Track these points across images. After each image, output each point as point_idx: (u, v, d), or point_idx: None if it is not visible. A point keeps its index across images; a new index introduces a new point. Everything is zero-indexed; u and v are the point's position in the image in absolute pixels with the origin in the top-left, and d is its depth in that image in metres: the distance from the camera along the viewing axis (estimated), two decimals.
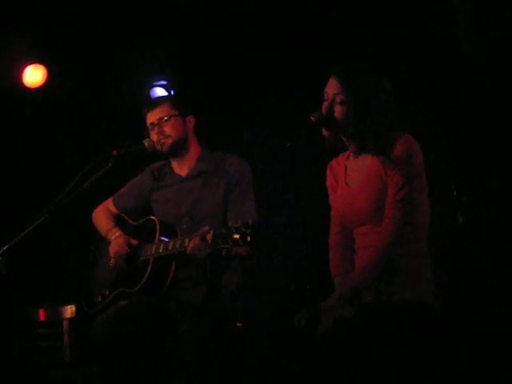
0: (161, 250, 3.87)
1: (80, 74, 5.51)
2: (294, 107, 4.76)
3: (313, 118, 3.32)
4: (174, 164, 4.20)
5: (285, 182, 4.75)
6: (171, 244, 3.83)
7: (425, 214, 3.31)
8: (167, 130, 4.07)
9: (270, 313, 4.75)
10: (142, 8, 5.26)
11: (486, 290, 4.24)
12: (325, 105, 3.34)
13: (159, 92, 5.63)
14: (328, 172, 3.56)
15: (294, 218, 4.63)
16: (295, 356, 3.32)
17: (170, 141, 4.07)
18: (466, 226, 4.33)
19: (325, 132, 3.36)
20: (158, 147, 4.10)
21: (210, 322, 3.80)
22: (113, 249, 4.08)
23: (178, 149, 4.12)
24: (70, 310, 4.77)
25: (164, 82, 5.65)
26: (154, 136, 4.09)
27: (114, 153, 3.97)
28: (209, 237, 3.56)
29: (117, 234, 4.13)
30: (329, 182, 3.56)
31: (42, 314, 4.80)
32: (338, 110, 3.31)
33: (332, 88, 3.33)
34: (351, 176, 3.43)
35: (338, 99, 3.31)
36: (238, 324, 3.93)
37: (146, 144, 4.10)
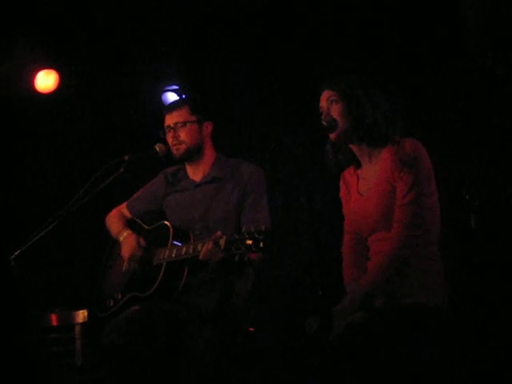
0: (174, 255, 3.86)
1: (92, 79, 5.52)
2: (307, 112, 4.75)
3: (325, 123, 3.40)
4: (189, 169, 4.19)
5: (296, 187, 4.76)
6: (184, 249, 3.83)
7: (435, 218, 3.31)
8: (182, 135, 4.05)
9: (282, 318, 4.75)
10: (154, 13, 5.27)
11: (499, 294, 4.22)
12: (323, 115, 3.43)
13: (171, 96, 5.64)
14: (341, 183, 3.60)
15: (306, 223, 4.64)
16: (307, 361, 3.31)
17: (183, 147, 4.06)
18: (479, 229, 4.32)
19: (332, 136, 3.41)
20: (173, 151, 4.10)
21: (222, 327, 3.80)
22: (125, 252, 4.09)
23: (192, 155, 4.11)
24: (81, 315, 4.77)
25: (176, 87, 5.66)
26: (169, 139, 4.09)
27: (126, 158, 3.97)
28: (222, 242, 3.55)
29: (125, 235, 4.14)
30: (342, 192, 3.59)
31: (54, 319, 4.81)
32: (334, 109, 3.40)
33: (324, 96, 3.45)
34: (362, 184, 3.46)
35: (332, 99, 3.41)
36: (250, 329, 3.93)
37: (158, 149, 4.10)
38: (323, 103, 3.44)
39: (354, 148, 3.46)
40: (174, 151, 4.08)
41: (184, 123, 4.06)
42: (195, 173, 4.17)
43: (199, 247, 3.70)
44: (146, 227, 4.22)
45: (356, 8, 4.88)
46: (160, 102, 5.63)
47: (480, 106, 4.52)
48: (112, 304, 4.07)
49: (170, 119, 4.10)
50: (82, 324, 4.78)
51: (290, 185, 4.83)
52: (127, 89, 5.53)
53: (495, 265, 4.30)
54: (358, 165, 3.50)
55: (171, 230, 3.99)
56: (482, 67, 4.38)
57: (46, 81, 5.49)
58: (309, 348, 3.27)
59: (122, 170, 3.95)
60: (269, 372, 3.95)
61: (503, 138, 4.44)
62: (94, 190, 3.87)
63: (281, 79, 5.22)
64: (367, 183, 3.43)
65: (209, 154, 4.15)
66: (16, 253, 3.75)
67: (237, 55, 5.35)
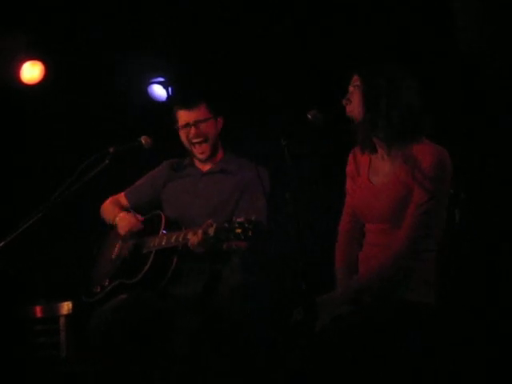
0: (163, 243, 3.89)
1: (78, 71, 5.50)
2: (293, 105, 4.76)
3: (310, 116, 3.36)
4: (197, 160, 4.25)
5: (282, 180, 4.74)
6: (174, 237, 3.85)
7: (441, 226, 3.33)
8: (204, 130, 4.14)
9: (269, 310, 4.75)
10: (141, 3, 5.26)
11: (484, 289, 4.24)
12: (345, 99, 3.41)
13: (157, 89, 5.64)
14: (350, 158, 3.57)
15: (291, 216, 4.62)
16: (292, 352, 3.32)
17: (208, 147, 4.15)
18: (463, 223, 4.33)
19: (347, 112, 3.39)
20: (190, 148, 4.17)
21: (207, 317, 3.81)
22: (122, 229, 4.11)
23: (213, 152, 4.19)
24: (66, 307, 4.78)
25: (162, 79, 5.65)
26: (186, 135, 4.15)
27: (111, 150, 3.98)
28: (211, 230, 3.58)
29: (121, 215, 4.18)
30: (349, 168, 3.56)
31: (38, 311, 4.81)
32: (355, 94, 3.37)
33: (353, 80, 3.41)
34: (375, 173, 3.43)
35: (355, 84, 3.38)
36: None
37: (143, 141, 4.11)
38: (350, 87, 3.41)
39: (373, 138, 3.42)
40: (199, 153, 4.17)
41: (205, 120, 4.14)
42: (203, 164, 4.25)
43: (189, 235, 3.72)
44: (140, 217, 4.23)
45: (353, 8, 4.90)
46: (146, 94, 5.63)
47: (467, 102, 4.53)
48: (99, 290, 4.09)
49: (188, 116, 4.16)
50: (67, 316, 4.78)
51: (277, 178, 4.83)
52: (113, 80, 5.51)
53: (480, 259, 4.32)
54: (375, 150, 3.45)
55: (163, 219, 4.03)
56: (472, 64, 4.40)
57: (31, 72, 5.47)
58: (294, 338, 3.28)
59: (107, 161, 3.95)
60: (253, 362, 3.96)
61: (489, 132, 4.46)
62: (80, 182, 3.87)
63: (267, 72, 5.21)
64: (380, 174, 3.40)
65: (219, 149, 4.24)
66: (0, 244, 3.74)
67: (225, 47, 5.35)
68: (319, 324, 3.20)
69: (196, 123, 4.13)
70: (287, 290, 4.75)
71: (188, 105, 4.18)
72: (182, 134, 4.19)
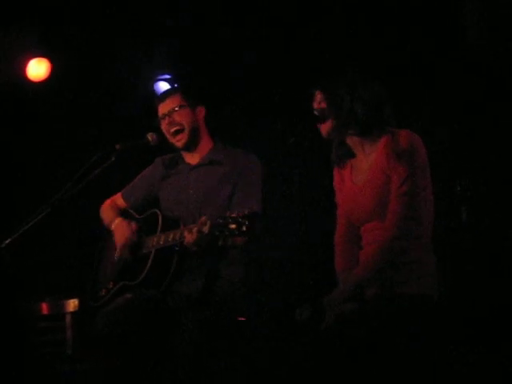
0: (161, 242, 3.88)
1: (83, 68, 5.51)
2: (298, 101, 4.76)
3: (316, 113, 3.44)
4: (186, 155, 4.22)
5: (288, 176, 4.75)
6: (171, 235, 3.84)
7: (429, 211, 3.34)
8: (177, 118, 4.09)
9: (272, 306, 4.76)
10: (146, 1, 5.27)
11: (489, 284, 4.25)
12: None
13: (163, 86, 5.64)
14: (335, 172, 3.62)
15: (297, 212, 4.64)
16: (296, 350, 3.33)
17: (184, 136, 4.10)
18: (470, 221, 4.34)
19: (322, 132, 3.49)
20: (171, 140, 4.13)
21: (210, 314, 3.81)
22: (118, 240, 4.10)
23: (193, 141, 4.14)
24: (72, 304, 4.78)
25: (168, 76, 5.66)
26: (164, 127, 4.13)
27: (118, 147, 3.97)
28: (205, 228, 3.57)
29: (116, 222, 4.15)
30: (335, 181, 3.62)
31: (44, 308, 4.81)
32: (319, 99, 3.46)
33: (315, 97, 3.51)
34: (356, 173, 3.49)
35: (319, 99, 3.47)
36: (241, 318, 3.93)
37: (150, 138, 4.11)
38: (315, 104, 3.49)
39: (348, 142, 3.48)
40: (176, 141, 4.13)
41: (178, 107, 4.10)
42: (192, 157, 4.20)
43: (185, 234, 3.71)
44: (137, 216, 4.23)
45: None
46: (152, 91, 5.63)
47: (473, 98, 4.53)
48: (104, 293, 4.08)
49: (164, 108, 4.14)
50: (73, 313, 4.78)
51: (281, 174, 4.83)
52: (119, 78, 5.52)
53: (486, 255, 4.32)
54: (354, 156, 3.51)
55: (160, 217, 4.02)
56: (479, 57, 4.39)
57: (37, 69, 5.48)
58: (298, 337, 3.28)
59: (113, 158, 3.95)
60: (256, 360, 3.96)
61: (496, 130, 4.46)
62: (86, 179, 3.87)
63: (274, 69, 5.22)
64: (361, 172, 3.46)
65: (205, 140, 4.19)
66: (7, 241, 3.74)
67: (228, 43, 5.35)
68: (325, 322, 3.23)
69: (170, 113, 4.11)
70: (292, 286, 4.76)
71: (163, 97, 4.19)
72: (163, 128, 4.16)
